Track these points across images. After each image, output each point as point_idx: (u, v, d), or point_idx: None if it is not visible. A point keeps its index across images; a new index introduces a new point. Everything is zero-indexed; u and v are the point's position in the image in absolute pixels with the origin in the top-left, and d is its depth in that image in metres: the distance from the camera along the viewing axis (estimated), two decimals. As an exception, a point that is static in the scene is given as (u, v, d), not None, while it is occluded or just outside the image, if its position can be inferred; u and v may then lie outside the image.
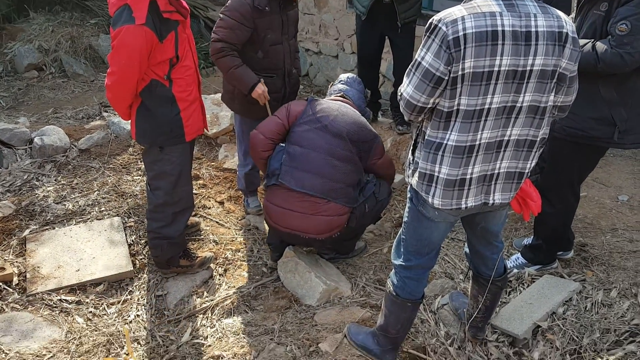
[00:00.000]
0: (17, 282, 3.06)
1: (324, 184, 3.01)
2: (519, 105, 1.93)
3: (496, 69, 1.84)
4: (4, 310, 2.85)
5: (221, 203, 4.05)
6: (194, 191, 3.39)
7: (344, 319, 2.84)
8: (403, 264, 2.37)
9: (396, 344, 2.55)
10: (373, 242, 3.75)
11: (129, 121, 2.92)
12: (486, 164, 2.02)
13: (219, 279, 3.30)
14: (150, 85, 2.72)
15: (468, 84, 1.86)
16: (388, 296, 2.45)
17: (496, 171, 2.06)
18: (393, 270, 2.45)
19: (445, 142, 1.98)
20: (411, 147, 2.21)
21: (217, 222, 3.81)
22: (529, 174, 2.14)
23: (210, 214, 3.87)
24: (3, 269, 3.06)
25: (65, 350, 2.64)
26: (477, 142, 1.96)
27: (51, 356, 2.59)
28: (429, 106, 1.96)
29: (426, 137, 2.04)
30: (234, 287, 3.24)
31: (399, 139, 4.60)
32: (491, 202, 2.11)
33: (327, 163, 3.03)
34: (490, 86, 1.87)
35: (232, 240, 3.64)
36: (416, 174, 2.13)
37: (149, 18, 2.52)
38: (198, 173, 4.25)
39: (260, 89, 3.27)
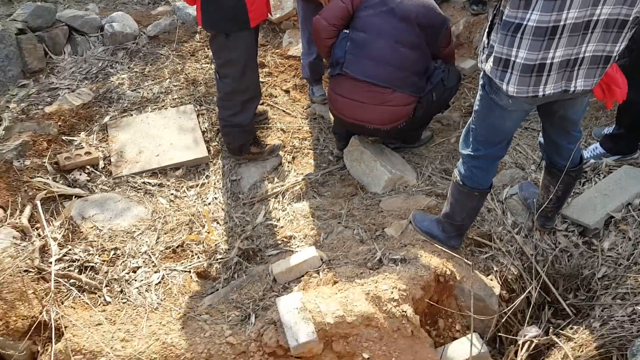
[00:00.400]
0: (103, 165, 3.29)
1: (390, 73, 2.94)
2: None
3: None
4: (94, 191, 3.10)
5: (287, 91, 4.07)
6: (260, 79, 3.41)
7: (409, 207, 2.92)
8: (471, 153, 2.34)
9: (461, 231, 2.61)
10: (440, 131, 3.71)
11: (194, 7, 2.90)
12: (570, 47, 1.89)
13: (288, 166, 3.42)
14: None
15: None
16: (455, 185, 2.47)
17: (581, 55, 1.93)
18: (460, 159, 2.44)
19: (525, 22, 1.85)
20: (486, 30, 2.10)
21: (283, 111, 3.86)
22: (616, 57, 2.00)
23: (277, 103, 3.91)
24: (89, 153, 3.28)
25: (152, 227, 2.88)
26: (562, 23, 1.82)
27: (140, 233, 2.85)
28: None
29: (504, 18, 1.92)
30: (302, 174, 3.35)
31: (473, 20, 4.34)
32: (572, 89, 2.00)
33: (393, 50, 2.93)
34: None
35: (299, 129, 3.70)
36: (490, 59, 2.04)
37: None
38: (263, 61, 4.24)
39: None
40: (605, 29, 1.87)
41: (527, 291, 2.53)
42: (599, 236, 2.73)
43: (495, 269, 2.66)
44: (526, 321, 2.33)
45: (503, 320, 2.51)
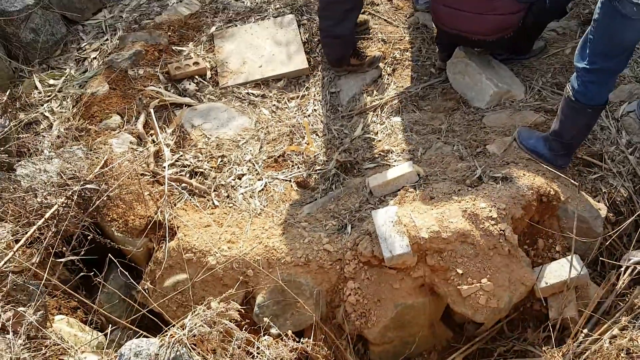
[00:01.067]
0: (209, 75, 3.42)
1: None
2: None
3: None
4: (202, 100, 3.26)
5: (390, -1, 3.91)
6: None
7: (515, 123, 2.80)
8: (587, 66, 2.19)
9: (570, 150, 2.49)
10: (555, 41, 3.43)
11: None
12: None
13: (388, 79, 3.36)
14: None
15: None
16: (566, 100, 2.33)
17: None
18: (575, 73, 2.28)
19: None
20: None
21: (385, 20, 3.73)
22: None
23: (378, 11, 3.78)
24: (197, 63, 3.42)
25: (256, 137, 3.01)
26: None
27: (244, 142, 2.99)
28: None
29: None
30: (402, 87, 3.28)
31: None
32: None
33: None
34: None
35: (401, 40, 3.58)
36: None
37: None
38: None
39: None
40: None
41: (636, 214, 2.41)
42: None
43: (603, 190, 2.54)
44: (632, 245, 2.24)
45: (607, 244, 2.43)
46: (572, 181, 2.48)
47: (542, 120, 2.80)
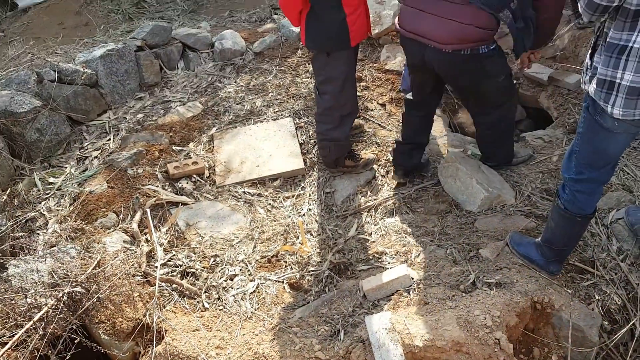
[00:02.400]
0: (207, 175, 3.51)
1: None
2: None
3: None
4: (199, 199, 3.32)
5: (383, 105, 4.10)
6: (358, 93, 3.48)
7: (506, 227, 2.83)
8: (574, 177, 2.26)
9: (562, 257, 2.50)
10: (542, 149, 3.57)
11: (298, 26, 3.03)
12: None
13: (381, 180, 3.44)
14: None
15: None
16: (556, 209, 2.38)
17: None
18: (562, 182, 2.35)
19: (630, 44, 1.78)
20: (589, 51, 2.02)
21: (379, 124, 3.89)
22: None
23: (372, 116, 3.95)
24: (196, 163, 3.51)
25: (250, 236, 3.03)
26: None
27: (238, 241, 3.01)
28: (614, 4, 1.75)
29: (608, 39, 1.85)
30: (395, 188, 3.36)
31: (579, 33, 4.13)
32: None
33: None
34: None
35: (394, 143, 3.71)
36: (594, 81, 1.96)
37: None
38: (361, 75, 4.30)
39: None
40: None
41: (631, 323, 2.38)
42: None
43: (597, 297, 2.52)
44: (629, 355, 2.19)
45: (604, 353, 2.38)
46: (566, 289, 2.47)
47: (533, 225, 2.84)
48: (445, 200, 3.21)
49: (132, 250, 2.92)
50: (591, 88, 1.99)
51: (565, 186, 2.32)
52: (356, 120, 3.74)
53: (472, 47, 2.56)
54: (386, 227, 3.06)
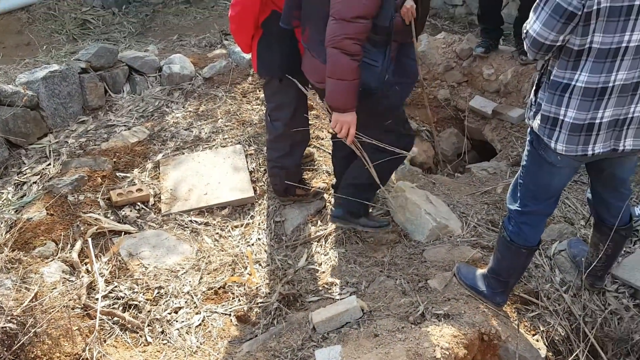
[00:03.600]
0: (153, 202, 3.39)
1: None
2: None
3: (637, 2, 1.67)
4: (143, 228, 3.19)
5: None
6: (309, 121, 3.47)
7: (454, 258, 2.87)
8: (519, 209, 2.32)
9: (507, 288, 2.54)
10: (487, 180, 3.67)
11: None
12: (619, 107, 1.88)
13: (332, 209, 3.43)
14: (271, 17, 2.77)
15: (604, 20, 1.71)
16: (502, 241, 2.43)
17: (630, 115, 1.91)
18: (508, 214, 2.41)
19: (573, 83, 1.86)
20: (534, 88, 2.10)
21: (329, 153, 3.89)
22: None
23: (323, 145, 3.96)
24: (141, 190, 3.39)
25: (196, 267, 2.94)
26: (611, 84, 1.82)
27: (184, 272, 2.91)
28: (557, 44, 1.83)
29: (552, 77, 1.93)
30: (346, 217, 3.35)
31: (522, 69, 4.32)
32: (621, 148, 1.98)
33: None
34: (630, 22, 1.70)
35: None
36: (538, 117, 2.03)
37: None
38: (312, 103, 4.31)
39: (410, 3, 3.01)
40: None
41: (574, 354, 2.44)
42: (652, 300, 2.62)
43: (541, 328, 2.57)
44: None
45: (549, 385, 2.42)
46: (512, 321, 2.51)
47: (479, 256, 2.88)
48: (394, 230, 3.22)
49: (72, 281, 2.76)
50: (535, 124, 2.05)
51: (511, 218, 2.37)
52: (307, 148, 3.73)
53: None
54: (336, 257, 3.04)
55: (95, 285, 2.76)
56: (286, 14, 2.59)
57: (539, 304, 2.63)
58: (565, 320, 2.59)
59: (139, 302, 2.71)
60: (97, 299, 2.63)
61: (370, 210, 3.10)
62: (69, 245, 2.98)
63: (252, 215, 3.36)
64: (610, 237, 2.40)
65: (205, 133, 3.98)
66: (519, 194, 2.31)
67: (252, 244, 3.16)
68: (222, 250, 3.08)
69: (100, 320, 2.51)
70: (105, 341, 2.47)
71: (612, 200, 2.34)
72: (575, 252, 2.81)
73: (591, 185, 2.41)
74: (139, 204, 3.35)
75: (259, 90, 4.37)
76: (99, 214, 3.21)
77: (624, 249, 2.72)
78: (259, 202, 3.47)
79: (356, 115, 2.42)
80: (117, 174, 3.57)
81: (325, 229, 3.23)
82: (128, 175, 3.57)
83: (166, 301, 2.73)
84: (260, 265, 3.01)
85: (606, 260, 2.53)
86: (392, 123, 2.60)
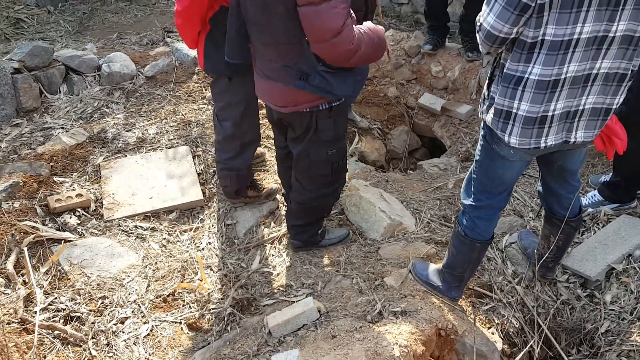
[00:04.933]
0: (94, 208, 3.21)
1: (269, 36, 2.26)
2: (611, 35, 1.76)
3: None
4: (84, 235, 3.01)
5: (285, 133, 4.04)
6: (260, 121, 3.38)
7: (409, 254, 2.85)
8: (473, 203, 2.32)
9: (462, 282, 2.54)
10: (438, 176, 3.68)
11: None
12: (570, 99, 1.90)
13: (285, 209, 3.35)
14: (219, 12, 2.66)
15: (556, 12, 1.71)
16: (456, 235, 2.42)
17: (581, 107, 1.93)
18: (462, 209, 2.40)
19: (526, 75, 1.85)
20: (487, 81, 2.10)
21: (281, 152, 3.82)
22: (616, 110, 2.00)
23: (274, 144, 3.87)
24: (81, 195, 3.21)
25: (143, 274, 2.79)
26: (563, 76, 1.83)
27: (130, 280, 2.75)
28: (511, 37, 1.82)
29: (505, 71, 1.92)
30: (299, 217, 3.28)
31: (468, 66, 4.38)
32: (573, 140, 2.00)
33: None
34: (581, 14, 1.71)
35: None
36: (491, 111, 2.03)
37: None
38: (262, 103, 4.22)
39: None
40: (605, 82, 1.89)
41: (528, 345, 2.46)
42: (600, 288, 2.68)
43: (496, 321, 2.58)
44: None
45: (506, 377, 2.43)
46: (468, 317, 2.51)
47: (433, 251, 2.88)
48: (349, 229, 3.18)
49: (7, 294, 2.57)
50: (488, 117, 2.05)
51: (465, 213, 2.37)
52: (258, 149, 3.63)
53: (310, 108, 2.37)
54: (291, 258, 2.96)
55: (33, 298, 2.58)
56: (235, 48, 2.47)
57: (493, 297, 2.65)
58: (519, 312, 2.61)
59: (82, 313, 2.54)
60: (35, 313, 2.45)
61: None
62: (4, 256, 2.77)
63: (201, 219, 3.24)
64: (561, 229, 2.44)
65: (149, 134, 3.81)
66: (472, 189, 2.31)
67: (203, 249, 3.04)
68: (171, 256, 2.94)
69: (39, 334, 2.34)
70: (45, 357, 2.30)
71: (562, 192, 2.38)
72: (526, 244, 2.84)
73: (541, 177, 2.44)
74: (79, 210, 3.16)
75: (205, 89, 4.24)
76: (35, 221, 3.01)
77: (573, 239, 2.77)
78: (209, 204, 3.35)
79: (307, 145, 2.48)
80: (55, 179, 3.36)
81: (279, 231, 3.15)
82: (67, 180, 3.37)
83: (111, 311, 2.57)
84: (211, 270, 2.90)
85: (557, 252, 2.56)
86: (336, 153, 2.56)
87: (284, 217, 3.25)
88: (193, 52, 4.38)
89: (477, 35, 1.92)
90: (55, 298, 2.61)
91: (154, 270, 2.83)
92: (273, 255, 3.00)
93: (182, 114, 4.04)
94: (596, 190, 3.12)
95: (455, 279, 2.51)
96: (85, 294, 2.64)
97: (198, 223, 3.21)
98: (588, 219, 3.01)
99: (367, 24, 2.30)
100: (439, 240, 3.00)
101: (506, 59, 1.91)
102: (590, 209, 3.05)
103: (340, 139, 2.55)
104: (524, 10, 1.72)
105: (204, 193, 3.38)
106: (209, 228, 3.18)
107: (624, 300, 2.59)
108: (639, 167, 2.91)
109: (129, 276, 2.79)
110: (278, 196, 3.40)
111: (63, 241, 2.93)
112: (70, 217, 3.11)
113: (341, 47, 2.12)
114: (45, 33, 5.80)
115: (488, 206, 2.31)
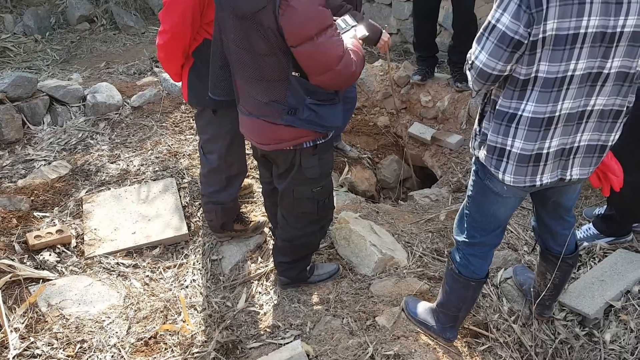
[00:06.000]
0: (75, 244, 3.10)
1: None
2: (606, 71, 1.72)
3: (582, 30, 1.63)
4: (64, 273, 2.90)
5: (273, 163, 3.96)
6: (246, 152, 3.31)
7: (401, 291, 2.76)
8: (467, 240, 2.24)
9: (457, 322, 2.45)
10: (429, 208, 3.61)
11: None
12: (565, 136, 1.84)
13: (272, 243, 3.25)
14: (203, 45, 2.60)
15: (549, 49, 1.66)
16: (450, 273, 2.34)
17: (576, 144, 1.88)
18: (455, 246, 2.32)
19: (520, 112, 1.80)
20: (477, 117, 2.04)
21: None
22: (612, 146, 1.95)
23: (262, 175, 3.79)
24: (61, 231, 3.10)
25: (124, 315, 2.67)
26: (557, 114, 1.78)
27: (110, 322, 2.63)
28: (505, 74, 1.77)
29: (497, 107, 1.86)
30: (288, 252, 3.18)
31: (457, 96, 4.36)
32: (568, 177, 1.95)
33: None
34: (575, 51, 1.66)
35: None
36: (484, 147, 1.97)
37: None
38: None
39: (386, 36, 3.07)
40: (600, 119, 1.85)
41: (528, 389, 2.37)
42: (599, 326, 2.60)
43: (493, 362, 2.48)
44: None
45: (504, 422, 2.32)
46: (463, 357, 2.41)
47: (426, 287, 2.79)
48: (339, 264, 3.08)
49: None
50: (481, 154, 1.98)
51: (459, 249, 2.29)
52: (245, 180, 3.55)
53: (294, 146, 2.28)
54: (278, 296, 2.85)
55: (6, 343, 2.44)
56: (219, 85, 2.42)
57: (489, 336, 2.55)
58: (516, 352, 2.51)
59: (59, 359, 2.41)
60: (8, 360, 2.32)
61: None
62: (-23, 298, 2.64)
63: (186, 254, 3.13)
64: (557, 267, 2.37)
65: (134, 166, 3.72)
66: (465, 225, 2.24)
67: (187, 287, 2.93)
68: (153, 295, 2.82)
69: (11, 384, 2.20)
70: (16, 409, 2.16)
71: (557, 228, 2.31)
72: (521, 280, 2.76)
73: (536, 213, 2.37)
74: (59, 246, 3.05)
75: (193, 119, 4.17)
76: (13, 259, 2.89)
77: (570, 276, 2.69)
78: (194, 239, 3.24)
79: (291, 182, 2.38)
80: (35, 214, 3.25)
81: (267, 266, 3.05)
82: (47, 214, 3.26)
83: (90, 356, 2.44)
84: (195, 309, 2.78)
85: (554, 289, 2.48)
86: (321, 191, 2.48)
87: (271, 252, 3.15)
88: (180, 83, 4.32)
89: (468, 73, 1.86)
90: (32, 343, 2.47)
91: (135, 311, 2.71)
92: (260, 292, 2.89)
93: (169, 145, 3.96)
94: (591, 224, 3.06)
95: (449, 318, 2.42)
96: (63, 337, 2.51)
97: (182, 259, 3.10)
98: (584, 253, 2.94)
99: (349, 39, 2.23)
100: (431, 275, 2.91)
101: (498, 95, 1.85)
102: (585, 243, 2.98)
103: (325, 177, 2.47)
104: (517, 48, 1.68)
105: (189, 227, 3.28)
106: (194, 264, 3.07)
107: (624, 340, 2.50)
108: (633, 200, 2.85)
109: (109, 317, 2.66)
110: (266, 229, 3.30)
111: (41, 281, 2.81)
112: (50, 255, 2.99)
113: (345, 71, 2.08)
114: (32, 62, 5.74)
115: (482, 243, 2.23)
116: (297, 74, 2.11)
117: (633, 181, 2.72)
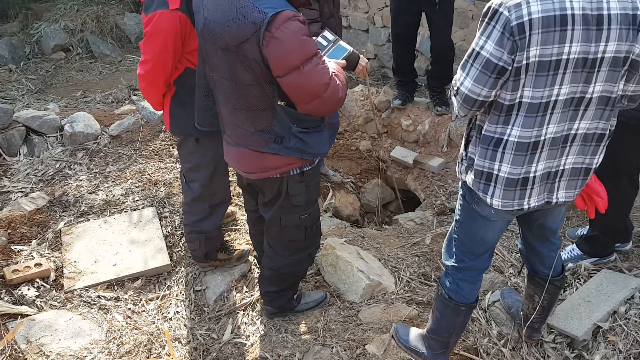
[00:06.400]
0: (54, 277, 3.01)
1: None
2: (588, 96, 1.75)
3: (565, 57, 1.67)
4: (43, 308, 2.80)
5: (256, 190, 3.93)
6: (230, 179, 3.27)
7: (390, 318, 2.73)
8: (456, 264, 2.24)
9: (448, 348, 2.43)
10: (415, 231, 3.61)
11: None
12: (550, 160, 1.87)
13: (258, 272, 3.20)
14: (185, 73, 2.59)
15: (533, 75, 1.69)
16: (440, 299, 2.32)
17: (561, 168, 1.90)
18: (444, 271, 2.32)
19: (505, 137, 1.82)
20: (463, 142, 2.06)
21: (252, 211, 3.69)
22: (596, 169, 1.98)
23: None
24: (40, 264, 3.01)
25: (107, 350, 2.58)
26: (542, 138, 1.80)
27: (92, 357, 2.54)
28: (490, 99, 1.79)
29: (483, 132, 1.88)
30: (273, 280, 3.13)
31: (438, 120, 4.40)
32: (554, 200, 1.97)
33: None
34: (558, 76, 1.69)
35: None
36: (471, 172, 1.98)
37: (182, 3, 2.38)
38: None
39: (364, 60, 3.05)
40: (583, 143, 1.88)
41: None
42: (588, 348, 2.59)
43: (483, 390, 2.46)
44: None
45: None
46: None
47: (415, 313, 2.76)
48: (326, 291, 3.04)
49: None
50: (469, 179, 1.99)
51: (448, 274, 2.28)
52: (229, 208, 3.51)
53: (281, 174, 2.25)
54: (265, 326, 2.79)
55: (-19, 385, 2.34)
56: (206, 115, 2.42)
57: (480, 362, 2.53)
58: (508, 377, 2.49)
59: (37, 400, 2.32)
60: (-17, 403, 2.21)
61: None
62: (-50, 338, 2.53)
63: (168, 286, 3.06)
64: (545, 289, 2.37)
65: (114, 196, 3.65)
66: (454, 249, 2.24)
67: (170, 319, 2.85)
68: (136, 329, 2.74)
69: None
70: None
71: (544, 250, 2.32)
72: (509, 303, 2.75)
73: (522, 235, 2.38)
74: (37, 280, 2.96)
75: (173, 147, 4.13)
76: (-12, 296, 2.79)
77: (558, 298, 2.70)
78: (176, 269, 3.17)
79: (278, 210, 2.35)
80: (13, 248, 3.16)
81: (252, 295, 2.99)
82: (25, 248, 3.17)
83: (70, 396, 2.35)
84: (180, 342, 2.71)
85: (542, 312, 2.48)
86: (309, 218, 2.45)
87: (257, 281, 3.10)
88: (160, 110, 4.29)
89: (453, 98, 1.88)
90: (8, 383, 2.38)
91: (118, 346, 2.62)
92: (246, 323, 2.83)
93: (149, 174, 3.90)
94: (574, 244, 3.09)
95: (441, 344, 2.40)
96: (42, 376, 2.42)
97: (165, 290, 3.02)
98: (569, 274, 2.95)
99: (331, 63, 2.23)
100: (420, 300, 2.89)
101: (483, 120, 1.87)
102: (570, 264, 3.00)
103: (312, 203, 2.44)
104: (501, 74, 1.70)
105: (171, 257, 3.21)
106: (177, 295, 3.00)
107: (613, 360, 2.50)
108: (615, 220, 2.89)
109: (91, 353, 2.57)
110: (250, 257, 3.25)
111: (20, 316, 2.71)
112: (29, 289, 2.90)
113: (332, 98, 2.07)
114: (7, 92, 5.65)
115: (471, 267, 2.23)
116: (282, 104, 2.10)
117: (613, 202, 2.75)
